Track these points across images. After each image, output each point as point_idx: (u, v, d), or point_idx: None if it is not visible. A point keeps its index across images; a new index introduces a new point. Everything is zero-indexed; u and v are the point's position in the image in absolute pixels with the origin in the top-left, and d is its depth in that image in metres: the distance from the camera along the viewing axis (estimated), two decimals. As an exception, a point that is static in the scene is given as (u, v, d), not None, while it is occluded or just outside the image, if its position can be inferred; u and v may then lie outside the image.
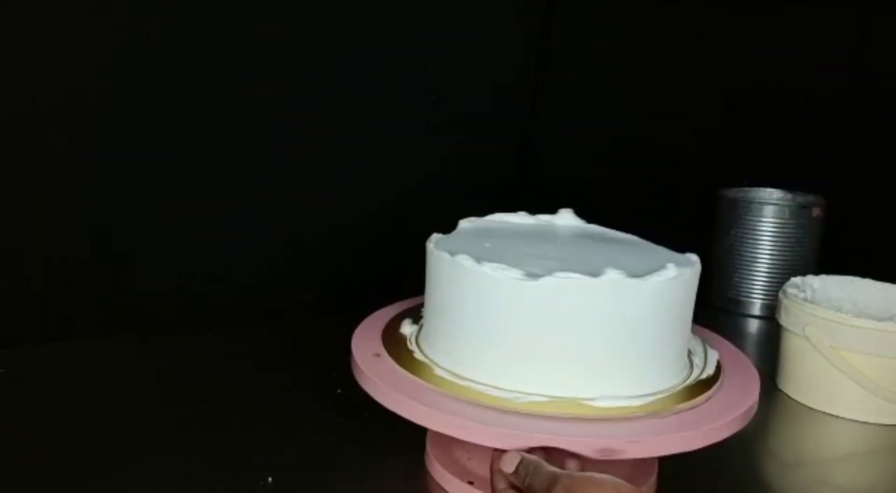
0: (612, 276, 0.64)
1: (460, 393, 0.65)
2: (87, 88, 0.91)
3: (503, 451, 0.60)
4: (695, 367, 0.73)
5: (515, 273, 0.65)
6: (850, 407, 0.89)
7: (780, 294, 0.96)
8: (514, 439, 0.60)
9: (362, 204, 1.14)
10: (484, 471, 0.68)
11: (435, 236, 0.76)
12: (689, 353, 0.74)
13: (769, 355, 0.99)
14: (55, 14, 0.88)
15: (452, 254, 0.69)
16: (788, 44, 1.47)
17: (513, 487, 0.61)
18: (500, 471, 0.61)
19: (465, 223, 0.82)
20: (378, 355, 0.72)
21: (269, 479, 0.69)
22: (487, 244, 0.74)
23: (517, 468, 0.59)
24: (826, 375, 0.89)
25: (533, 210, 0.86)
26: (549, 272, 0.65)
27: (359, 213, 1.14)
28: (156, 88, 0.95)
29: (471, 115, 1.22)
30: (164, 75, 0.95)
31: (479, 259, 0.67)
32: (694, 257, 0.72)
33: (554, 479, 0.56)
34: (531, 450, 0.60)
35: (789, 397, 0.93)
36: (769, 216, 1.20)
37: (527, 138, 1.28)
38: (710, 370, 0.72)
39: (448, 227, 0.80)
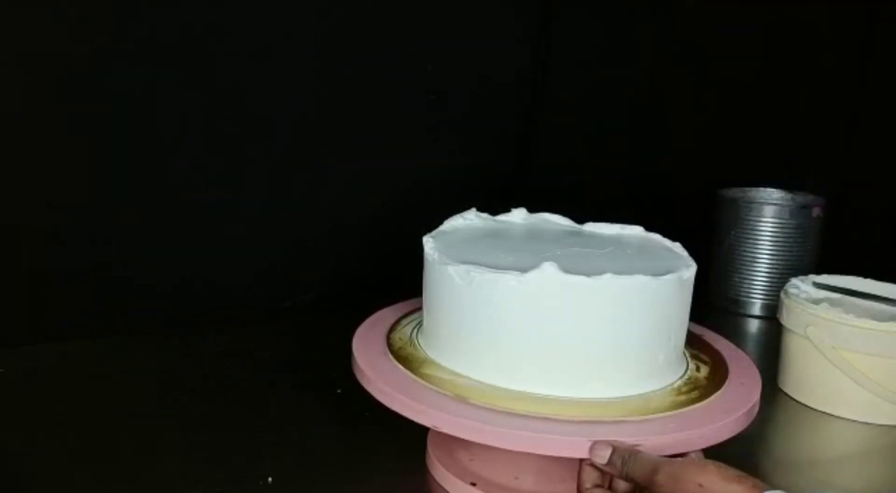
0: (609, 277, 0.64)
1: (462, 393, 0.65)
2: (86, 86, 0.91)
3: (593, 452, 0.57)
4: (689, 366, 0.73)
5: (515, 273, 0.65)
6: (851, 407, 0.89)
7: (782, 294, 0.95)
8: (515, 439, 0.60)
9: (362, 204, 1.14)
10: (485, 472, 0.68)
11: (430, 238, 0.75)
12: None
13: (769, 355, 0.99)
14: (56, 3, 0.87)
15: (450, 258, 0.69)
16: (789, 43, 1.47)
17: (599, 486, 0.58)
18: (590, 466, 0.58)
19: (454, 222, 0.81)
20: (379, 355, 0.72)
21: (269, 479, 0.69)
22: (485, 244, 0.74)
23: (611, 458, 0.57)
24: (827, 375, 0.89)
25: (533, 210, 0.86)
26: (549, 272, 0.64)
27: (359, 213, 1.14)
28: (156, 87, 0.95)
29: (470, 115, 1.21)
30: (163, 75, 0.95)
31: (476, 261, 0.67)
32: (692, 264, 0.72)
33: (656, 466, 0.54)
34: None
35: (790, 397, 0.93)
36: (769, 216, 1.20)
37: (526, 138, 1.28)
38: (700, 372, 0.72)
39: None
